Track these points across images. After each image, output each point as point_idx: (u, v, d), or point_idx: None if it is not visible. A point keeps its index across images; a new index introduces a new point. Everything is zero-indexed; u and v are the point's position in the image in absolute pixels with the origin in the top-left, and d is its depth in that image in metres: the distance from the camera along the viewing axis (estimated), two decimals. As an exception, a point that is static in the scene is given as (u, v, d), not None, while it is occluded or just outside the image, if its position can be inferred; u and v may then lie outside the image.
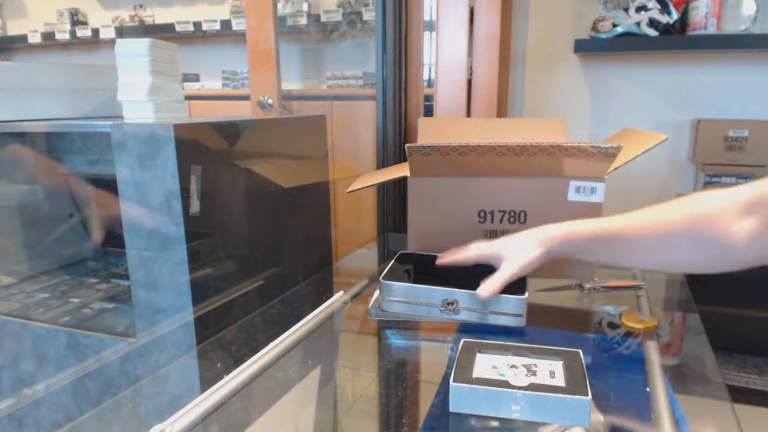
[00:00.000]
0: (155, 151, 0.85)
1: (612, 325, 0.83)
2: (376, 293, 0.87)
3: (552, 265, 0.91)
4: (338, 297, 0.92)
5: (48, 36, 3.02)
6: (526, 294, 0.75)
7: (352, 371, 0.75)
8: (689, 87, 1.63)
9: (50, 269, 1.32)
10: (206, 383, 0.63)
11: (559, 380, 0.57)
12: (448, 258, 0.82)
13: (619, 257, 0.72)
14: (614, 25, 1.53)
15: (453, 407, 0.57)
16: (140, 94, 1.07)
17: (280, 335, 0.76)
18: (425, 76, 1.67)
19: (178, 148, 0.84)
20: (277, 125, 1.20)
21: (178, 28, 2.73)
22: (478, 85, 1.57)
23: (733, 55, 1.58)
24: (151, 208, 0.87)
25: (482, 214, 0.92)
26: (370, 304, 0.84)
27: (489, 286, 0.73)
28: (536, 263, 0.74)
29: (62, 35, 2.98)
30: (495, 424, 0.56)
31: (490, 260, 0.78)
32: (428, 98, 1.70)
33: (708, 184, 1.57)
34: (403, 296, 0.79)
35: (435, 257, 0.84)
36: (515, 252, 0.75)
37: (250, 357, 0.69)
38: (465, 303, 0.76)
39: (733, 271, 0.61)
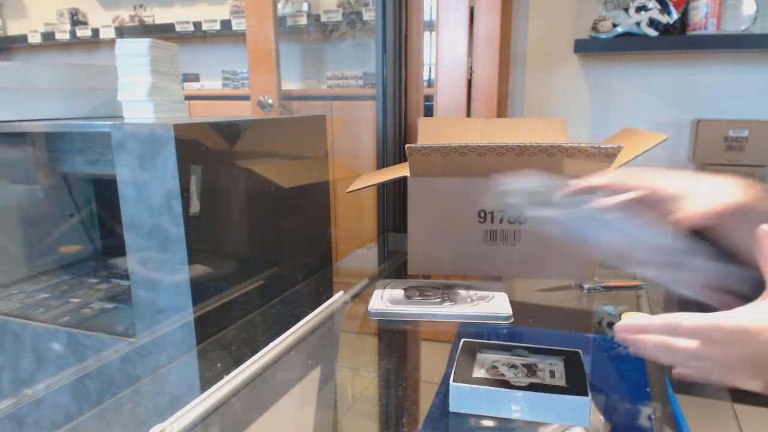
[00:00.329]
0: (155, 151, 0.85)
1: (612, 325, 0.83)
2: (376, 293, 0.87)
3: (552, 264, 0.91)
4: (338, 297, 0.92)
5: (48, 36, 3.02)
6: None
7: (352, 371, 0.75)
8: (689, 87, 1.63)
9: (50, 269, 1.32)
10: (206, 383, 0.63)
11: (559, 380, 0.57)
12: (584, 183, 0.55)
13: None
14: (614, 25, 1.53)
15: (453, 407, 0.57)
16: (140, 94, 1.07)
17: (280, 335, 0.76)
18: (425, 76, 1.67)
19: (178, 148, 0.84)
20: (277, 125, 1.20)
21: (178, 28, 2.73)
22: (478, 85, 1.57)
23: (733, 55, 1.58)
24: (151, 208, 0.87)
25: (482, 214, 0.92)
26: (370, 305, 0.84)
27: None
28: (720, 216, 0.48)
29: (62, 35, 2.98)
30: (494, 424, 0.56)
31: (655, 201, 0.52)
32: (428, 98, 1.70)
33: (708, 184, 1.56)
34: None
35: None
36: (704, 194, 0.50)
37: (250, 357, 0.69)
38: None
39: None
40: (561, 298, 0.92)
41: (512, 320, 0.79)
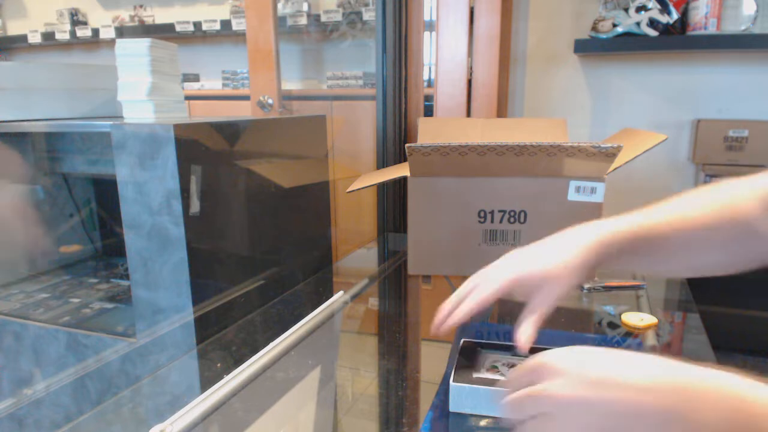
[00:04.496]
0: (155, 151, 0.85)
1: (612, 325, 0.83)
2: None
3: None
4: (338, 297, 0.92)
5: (48, 36, 3.02)
6: None
7: (352, 371, 0.75)
8: (689, 87, 1.63)
9: (50, 269, 1.32)
10: (206, 383, 0.63)
11: (559, 380, 0.57)
12: (464, 308, 0.59)
13: (655, 262, 0.60)
14: (614, 25, 1.52)
15: (453, 407, 0.57)
16: (140, 94, 1.07)
17: (280, 335, 0.76)
18: (425, 76, 1.67)
19: (178, 148, 0.84)
20: (277, 125, 1.20)
21: (178, 28, 2.73)
22: (478, 85, 1.57)
23: (733, 55, 1.58)
24: (151, 208, 0.87)
25: (482, 214, 0.92)
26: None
27: (526, 336, 0.56)
28: (575, 283, 0.58)
29: (62, 35, 2.98)
30: (494, 423, 0.56)
31: (519, 291, 0.60)
32: (428, 98, 1.70)
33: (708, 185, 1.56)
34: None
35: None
36: (549, 280, 0.58)
37: (250, 357, 0.69)
38: None
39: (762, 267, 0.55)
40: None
41: None
